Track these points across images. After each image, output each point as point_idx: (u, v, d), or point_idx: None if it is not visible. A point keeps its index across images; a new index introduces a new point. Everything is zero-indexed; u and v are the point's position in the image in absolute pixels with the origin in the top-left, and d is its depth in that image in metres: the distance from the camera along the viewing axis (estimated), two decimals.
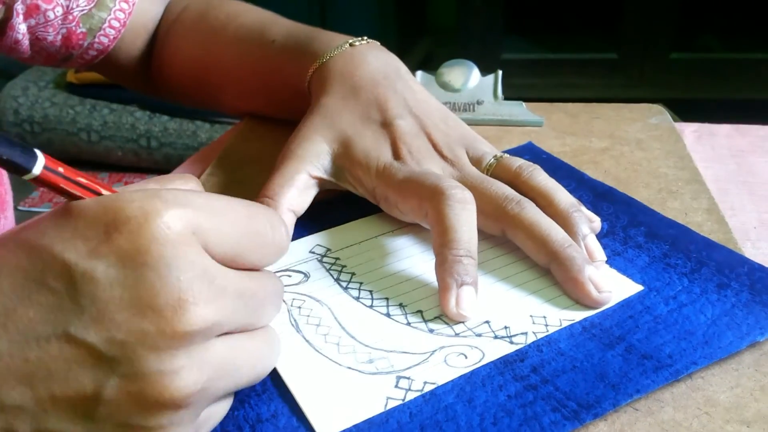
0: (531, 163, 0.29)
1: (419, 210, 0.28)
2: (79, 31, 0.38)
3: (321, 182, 0.31)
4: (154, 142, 1.48)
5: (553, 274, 0.26)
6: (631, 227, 0.29)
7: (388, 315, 0.26)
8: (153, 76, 0.44)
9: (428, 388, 0.22)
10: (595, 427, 0.21)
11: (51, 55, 0.40)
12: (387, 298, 0.26)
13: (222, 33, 0.40)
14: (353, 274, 0.28)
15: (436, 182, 0.27)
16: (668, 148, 0.37)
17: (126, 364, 0.17)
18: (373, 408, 0.22)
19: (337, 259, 0.29)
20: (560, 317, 0.25)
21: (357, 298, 0.26)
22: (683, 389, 0.22)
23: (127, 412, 0.17)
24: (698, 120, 0.41)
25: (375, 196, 0.30)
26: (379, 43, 0.35)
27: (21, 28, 0.37)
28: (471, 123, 0.40)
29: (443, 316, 0.25)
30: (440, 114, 0.32)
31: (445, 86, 0.41)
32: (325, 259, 0.29)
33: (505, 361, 0.23)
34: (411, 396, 0.22)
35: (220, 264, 0.19)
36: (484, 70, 0.41)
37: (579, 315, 0.25)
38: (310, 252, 0.29)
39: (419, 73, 0.41)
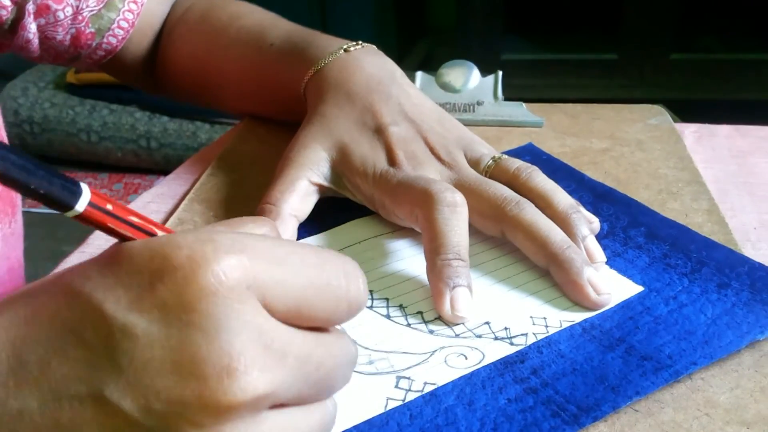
0: (529, 165, 0.29)
1: (411, 215, 0.28)
2: (88, 31, 0.39)
3: (321, 189, 0.31)
4: (153, 143, 1.48)
5: (553, 275, 0.26)
6: (631, 228, 0.29)
7: (387, 316, 0.26)
8: (158, 76, 0.44)
9: (428, 388, 0.22)
10: (595, 428, 0.21)
11: (60, 55, 0.40)
12: (387, 299, 0.26)
13: (223, 34, 0.40)
14: None
15: (426, 187, 0.27)
16: (668, 148, 0.37)
17: None
18: (374, 408, 0.22)
19: None
20: (560, 318, 0.25)
21: None
22: (683, 390, 0.22)
23: None
24: (698, 121, 0.41)
25: (373, 203, 0.30)
26: (375, 47, 0.35)
27: (31, 27, 0.37)
28: (471, 123, 0.40)
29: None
30: (437, 117, 0.32)
31: (445, 87, 0.41)
32: None
33: (505, 362, 0.23)
34: (411, 396, 0.22)
35: (281, 322, 0.17)
36: (484, 71, 0.41)
37: (579, 316, 0.25)
38: None
39: (419, 73, 0.41)
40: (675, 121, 0.41)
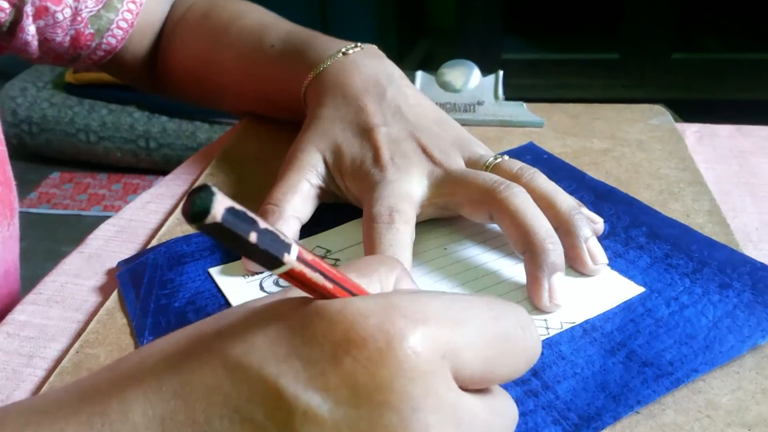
0: (530, 166, 0.29)
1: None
2: (87, 32, 0.39)
3: (321, 191, 0.31)
4: (152, 143, 1.48)
5: (524, 263, 0.26)
6: (632, 228, 0.29)
7: None
8: (158, 75, 0.44)
9: None
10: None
11: (59, 56, 0.40)
12: None
13: (223, 34, 0.40)
14: None
15: (371, 204, 0.26)
16: (670, 149, 0.37)
17: None
18: None
19: (337, 260, 0.29)
20: (561, 320, 0.25)
21: None
22: (684, 392, 0.22)
23: None
24: (700, 121, 0.41)
25: (360, 204, 0.30)
26: (375, 48, 0.35)
27: (30, 29, 0.37)
28: (471, 123, 0.40)
29: None
30: (434, 117, 0.32)
31: (445, 86, 0.40)
32: (325, 261, 0.29)
33: None
34: None
35: (465, 391, 0.15)
36: (485, 71, 0.41)
37: (580, 317, 0.25)
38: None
39: (420, 73, 0.41)
40: (676, 121, 0.40)
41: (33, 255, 0.94)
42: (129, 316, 0.26)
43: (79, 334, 0.27)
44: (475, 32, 1.64)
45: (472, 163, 0.30)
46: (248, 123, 0.42)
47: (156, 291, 0.27)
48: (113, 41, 0.40)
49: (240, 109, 0.43)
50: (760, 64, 1.59)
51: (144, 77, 0.45)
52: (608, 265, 0.27)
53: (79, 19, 0.38)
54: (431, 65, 0.42)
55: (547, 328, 0.24)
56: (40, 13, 0.37)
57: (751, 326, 0.24)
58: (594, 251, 0.26)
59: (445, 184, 0.28)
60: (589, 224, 0.27)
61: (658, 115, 0.41)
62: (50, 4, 0.37)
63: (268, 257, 0.13)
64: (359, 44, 0.34)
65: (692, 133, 0.40)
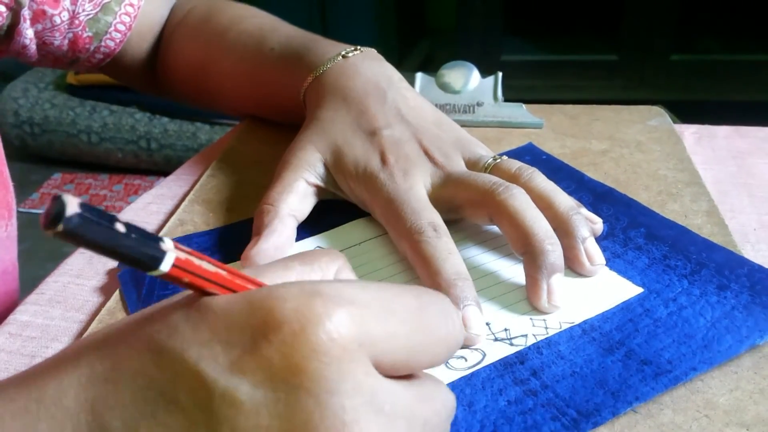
0: (529, 166, 0.29)
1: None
2: (85, 35, 0.39)
3: (318, 190, 0.31)
4: (154, 144, 1.48)
5: (523, 265, 0.26)
6: (630, 229, 0.29)
7: None
8: (158, 78, 0.44)
9: None
10: (595, 429, 0.21)
11: (58, 59, 0.40)
12: None
13: (224, 38, 0.40)
14: None
15: (406, 219, 0.27)
16: (668, 150, 0.37)
17: None
18: None
19: None
20: (560, 320, 0.25)
21: None
22: (683, 392, 0.22)
23: None
24: (698, 122, 0.41)
25: (366, 206, 0.30)
26: (374, 51, 0.35)
27: (28, 33, 0.37)
28: (471, 125, 0.40)
29: None
30: (434, 119, 0.32)
31: (445, 88, 0.41)
32: None
33: (505, 363, 0.23)
34: None
35: (388, 378, 0.15)
36: (484, 72, 0.41)
37: (579, 317, 0.25)
38: None
39: (419, 74, 0.41)
40: (674, 122, 0.41)
41: (34, 255, 0.94)
42: None
43: (80, 334, 0.27)
44: (474, 34, 1.64)
45: (472, 163, 0.30)
46: (249, 124, 0.42)
47: (157, 291, 0.27)
48: (111, 44, 0.40)
49: (240, 111, 0.43)
50: (758, 65, 1.60)
51: (144, 79, 0.45)
52: (607, 265, 0.27)
53: (76, 22, 0.38)
54: (431, 67, 0.43)
55: (546, 328, 0.24)
56: (38, 16, 0.37)
57: (749, 327, 0.24)
58: (591, 252, 0.27)
59: (445, 186, 0.29)
60: (587, 225, 0.27)
61: (656, 117, 0.41)
62: (47, 8, 0.37)
63: (137, 260, 0.14)
64: (359, 47, 0.35)
65: (690, 134, 0.40)
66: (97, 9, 0.39)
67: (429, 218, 0.27)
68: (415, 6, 1.88)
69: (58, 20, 0.38)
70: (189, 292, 0.15)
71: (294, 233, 0.29)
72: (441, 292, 0.23)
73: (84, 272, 0.31)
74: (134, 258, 0.14)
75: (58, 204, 0.12)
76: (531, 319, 0.25)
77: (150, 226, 0.34)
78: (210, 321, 0.14)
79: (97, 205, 1.48)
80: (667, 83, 1.61)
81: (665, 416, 0.21)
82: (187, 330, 0.14)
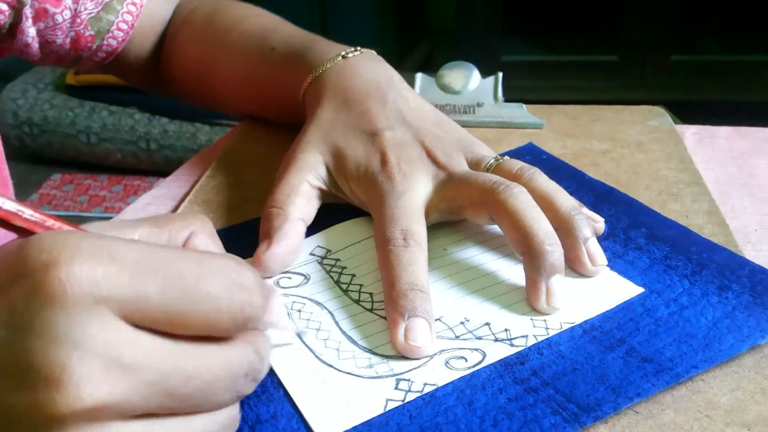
0: (531, 166, 0.29)
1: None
2: (87, 33, 0.39)
3: (322, 192, 0.31)
4: (153, 144, 1.48)
5: (523, 265, 0.26)
6: (631, 229, 0.29)
7: (386, 317, 0.25)
8: (161, 77, 0.45)
9: (428, 389, 0.22)
10: (595, 429, 0.21)
11: (61, 57, 0.40)
12: None
13: (226, 37, 0.40)
14: (353, 275, 0.28)
15: (384, 226, 0.27)
16: (669, 150, 0.37)
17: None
18: (373, 409, 0.22)
19: (337, 260, 0.29)
20: (560, 320, 0.25)
21: (357, 301, 0.26)
22: (684, 392, 0.22)
23: None
24: (699, 122, 0.41)
25: (367, 207, 0.30)
26: (374, 52, 0.35)
27: (30, 31, 0.37)
28: (471, 125, 0.40)
29: (443, 318, 0.25)
30: (435, 120, 0.32)
31: (445, 88, 0.41)
32: (325, 261, 0.29)
33: (505, 364, 0.23)
34: (411, 397, 0.22)
35: (147, 333, 0.16)
36: (485, 72, 0.41)
37: (579, 317, 0.25)
38: (311, 254, 0.29)
39: (420, 75, 0.41)
40: (675, 123, 0.41)
41: None
42: None
43: None
44: (475, 34, 1.64)
45: (474, 164, 0.30)
46: (249, 125, 0.42)
47: None
48: (114, 43, 0.40)
49: (241, 111, 0.43)
50: (758, 65, 1.60)
51: (146, 78, 0.45)
52: (607, 265, 0.27)
53: (78, 21, 0.38)
54: (431, 67, 0.43)
55: (547, 329, 0.24)
56: (40, 15, 0.37)
57: (750, 326, 0.24)
58: (593, 252, 0.27)
59: (447, 187, 0.29)
60: (589, 225, 0.27)
61: (657, 117, 0.41)
62: (49, 6, 0.37)
63: None
64: (359, 48, 0.34)
65: (691, 134, 0.40)
66: (99, 7, 0.39)
67: (404, 226, 0.27)
68: (416, 6, 1.88)
69: (60, 19, 0.38)
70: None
71: (303, 236, 0.29)
72: (392, 302, 0.24)
73: None
74: None
75: None
76: (531, 319, 0.25)
77: None
78: None
79: (96, 206, 1.48)
80: (668, 83, 1.61)
81: (666, 416, 0.21)
82: None
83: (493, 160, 0.30)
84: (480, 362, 0.23)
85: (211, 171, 0.37)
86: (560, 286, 0.25)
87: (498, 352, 0.23)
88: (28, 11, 0.36)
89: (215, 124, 1.47)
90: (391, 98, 0.32)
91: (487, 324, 0.25)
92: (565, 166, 0.35)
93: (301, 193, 0.29)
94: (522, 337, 0.24)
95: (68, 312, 0.15)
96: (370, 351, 0.24)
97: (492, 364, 0.23)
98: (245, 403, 0.22)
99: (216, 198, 0.35)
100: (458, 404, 0.22)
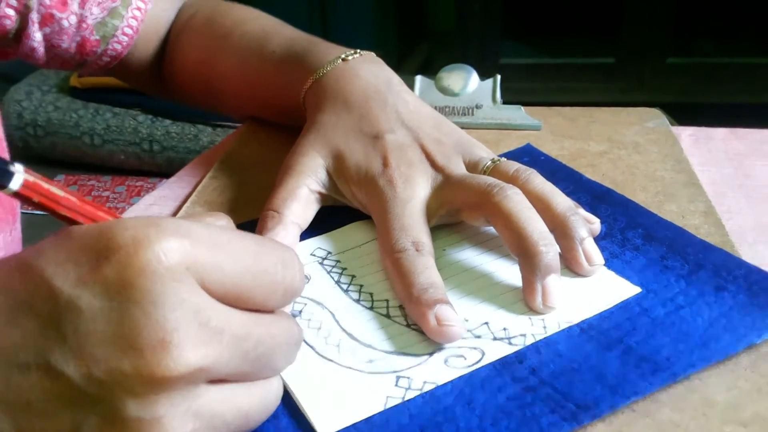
0: (528, 167, 0.29)
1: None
2: (93, 38, 0.39)
3: (321, 196, 0.31)
4: (156, 146, 1.48)
5: (519, 267, 0.26)
6: (628, 229, 0.30)
7: (388, 316, 0.26)
8: (164, 80, 0.45)
9: (428, 387, 0.22)
10: (593, 427, 0.21)
11: (66, 62, 0.40)
12: (387, 300, 0.27)
13: (226, 40, 0.40)
14: (354, 276, 0.28)
15: (391, 236, 0.27)
16: (665, 151, 0.37)
17: (104, 404, 0.16)
18: (373, 406, 0.22)
19: (338, 261, 0.29)
20: (558, 319, 0.25)
21: (357, 301, 0.27)
22: (680, 390, 0.22)
23: None
24: (695, 124, 0.42)
25: (367, 210, 0.30)
26: (373, 54, 0.35)
27: (36, 36, 0.37)
28: (470, 127, 0.40)
29: None
30: (434, 122, 0.32)
31: (444, 90, 0.41)
32: (326, 262, 0.29)
33: (503, 363, 0.23)
34: (410, 395, 0.22)
35: (221, 303, 0.18)
36: (483, 75, 0.41)
37: (577, 317, 0.25)
38: (311, 255, 0.29)
39: (419, 77, 0.42)
40: (672, 124, 0.41)
41: None
42: None
43: None
44: (473, 37, 1.65)
45: (472, 165, 0.30)
46: (250, 126, 0.42)
47: None
48: (119, 47, 0.41)
49: (242, 113, 0.43)
50: (754, 68, 1.60)
51: (150, 81, 0.45)
52: (605, 265, 0.27)
53: (84, 25, 0.39)
54: (430, 69, 0.43)
55: (545, 328, 0.25)
56: (46, 20, 0.37)
57: (746, 326, 0.24)
58: (590, 252, 0.27)
59: (444, 189, 0.29)
60: (585, 225, 0.27)
61: (654, 119, 0.41)
62: (56, 11, 0.37)
63: None
64: (358, 51, 0.35)
65: (688, 136, 0.40)
66: (105, 13, 0.39)
67: (414, 237, 0.27)
68: (415, 9, 1.88)
69: (66, 24, 0.38)
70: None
71: (296, 240, 0.29)
72: (414, 302, 0.24)
73: None
74: None
75: None
76: (530, 318, 0.25)
77: None
78: (68, 244, 0.17)
79: None
80: (665, 86, 1.61)
81: (663, 414, 0.22)
82: (50, 251, 0.17)
83: (490, 161, 0.30)
84: (479, 361, 0.23)
85: (213, 172, 0.37)
86: (556, 286, 0.25)
87: (497, 351, 0.24)
88: (34, 16, 0.37)
89: (217, 126, 1.47)
90: (390, 101, 0.32)
91: (486, 323, 0.25)
92: (562, 167, 0.35)
93: (299, 197, 0.30)
94: (520, 336, 0.24)
95: (163, 279, 0.17)
96: (370, 346, 0.24)
97: (491, 363, 0.23)
98: None
99: (218, 199, 0.35)
100: (457, 403, 0.22)
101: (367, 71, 0.33)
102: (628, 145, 0.38)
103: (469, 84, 0.41)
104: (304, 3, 1.66)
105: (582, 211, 0.29)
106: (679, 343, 0.23)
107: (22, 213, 0.37)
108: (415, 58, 1.76)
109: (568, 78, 1.65)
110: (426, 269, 0.26)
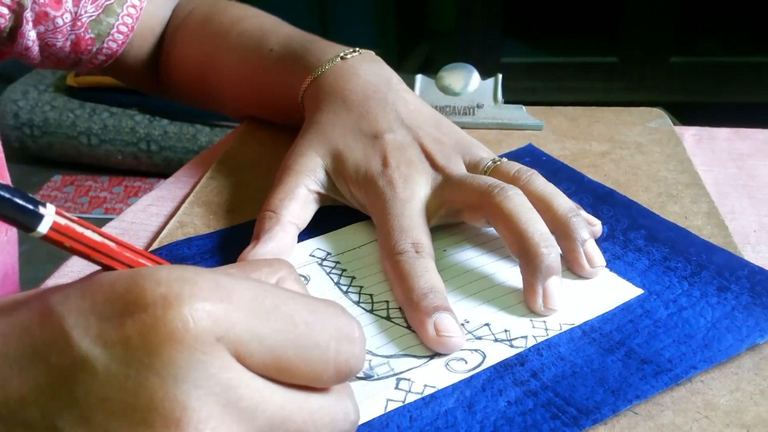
0: (529, 168, 0.29)
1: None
2: (87, 36, 0.39)
3: (320, 196, 0.31)
4: (154, 146, 1.48)
5: (520, 268, 0.26)
6: (631, 230, 0.29)
7: (388, 318, 0.26)
8: (160, 79, 0.45)
9: (428, 391, 0.22)
10: (594, 430, 0.21)
11: (61, 60, 0.40)
12: (387, 302, 0.26)
13: (224, 38, 0.40)
14: (353, 278, 0.28)
15: (391, 237, 0.27)
16: (668, 151, 0.37)
17: None
18: (374, 410, 0.22)
19: (337, 263, 0.29)
20: (560, 321, 0.25)
21: (357, 302, 0.26)
22: (683, 393, 0.22)
23: None
24: (698, 123, 0.41)
25: (367, 210, 0.30)
26: (373, 53, 0.35)
27: (31, 35, 0.37)
28: (471, 126, 0.40)
29: None
30: (434, 122, 0.32)
31: (445, 90, 0.41)
32: (325, 263, 0.29)
33: (505, 365, 0.23)
34: (411, 398, 0.22)
35: (260, 377, 0.16)
36: (484, 74, 0.41)
37: (579, 319, 0.25)
38: (310, 255, 0.29)
39: (419, 77, 0.41)
40: (675, 124, 0.41)
41: (34, 257, 0.94)
42: None
43: None
44: (474, 36, 1.64)
45: (472, 166, 0.30)
46: (249, 126, 0.42)
47: None
48: (114, 45, 0.40)
49: (240, 113, 0.43)
50: (758, 67, 1.60)
51: (146, 80, 0.45)
52: (607, 267, 0.27)
53: (79, 24, 0.38)
54: (431, 68, 0.43)
55: (546, 330, 0.24)
56: (40, 18, 0.37)
57: (749, 326, 0.24)
58: (591, 254, 0.27)
59: (444, 190, 0.29)
60: (586, 227, 0.27)
61: (656, 118, 0.41)
62: (50, 10, 0.37)
63: (16, 220, 0.15)
64: (357, 49, 0.34)
65: (690, 135, 0.40)
66: (100, 11, 0.39)
67: (414, 238, 0.27)
68: (416, 8, 1.88)
69: (60, 22, 0.38)
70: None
71: (294, 241, 0.29)
72: (413, 307, 0.24)
73: (84, 274, 0.30)
74: (13, 218, 0.15)
75: None
76: (531, 320, 0.25)
77: (150, 228, 0.34)
78: (94, 293, 0.16)
79: (96, 207, 1.48)
80: (667, 85, 1.61)
81: (666, 417, 0.21)
82: (75, 298, 0.16)
83: (491, 162, 0.30)
84: (480, 364, 0.23)
85: (211, 172, 0.37)
86: (557, 288, 0.25)
87: (498, 353, 0.24)
88: (28, 15, 0.36)
89: (216, 126, 1.47)
90: (390, 100, 0.32)
91: (487, 325, 0.25)
92: (564, 167, 0.35)
93: (297, 197, 0.29)
94: (522, 338, 0.24)
95: (189, 349, 0.15)
96: (370, 352, 0.24)
97: (492, 365, 0.23)
98: None
99: (216, 199, 0.35)
100: (458, 406, 0.22)
101: (366, 70, 0.33)
102: (630, 145, 0.38)
103: (470, 83, 0.40)
104: (304, 2, 1.66)
105: (583, 213, 0.29)
106: (681, 345, 0.23)
107: None
108: (415, 57, 1.76)
109: (570, 77, 1.65)
110: (426, 272, 0.25)
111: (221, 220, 0.33)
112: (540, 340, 0.24)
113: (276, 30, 0.39)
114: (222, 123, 1.46)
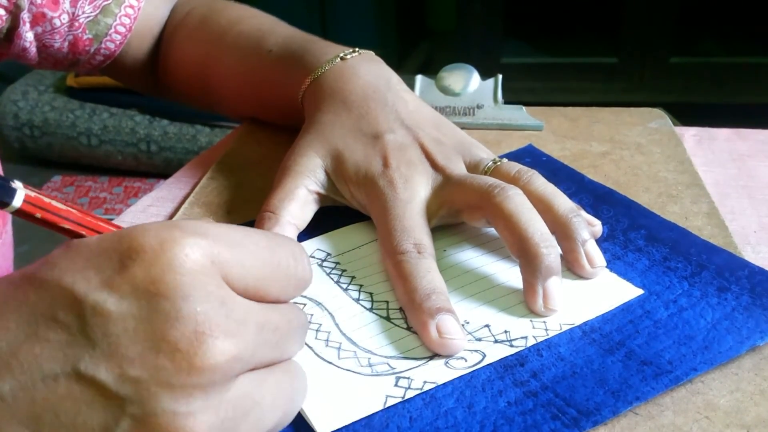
0: (529, 168, 0.29)
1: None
2: (85, 37, 0.39)
3: (320, 197, 0.31)
4: (153, 146, 1.48)
5: (520, 269, 0.26)
6: (631, 230, 0.29)
7: (388, 318, 0.26)
8: (159, 79, 0.45)
9: (428, 387, 0.22)
10: (595, 430, 0.21)
11: (58, 61, 0.40)
12: (387, 302, 0.26)
13: (222, 39, 0.40)
14: (353, 277, 0.28)
15: (393, 237, 0.27)
16: (668, 152, 0.37)
17: (138, 403, 0.16)
18: (373, 405, 0.22)
19: (337, 263, 0.29)
20: (560, 321, 0.25)
21: (357, 300, 0.26)
22: (683, 393, 0.22)
23: None
24: (698, 124, 0.41)
25: (367, 210, 0.30)
26: (372, 53, 0.35)
27: (28, 36, 0.37)
28: (471, 127, 0.40)
29: None
30: (434, 122, 0.32)
31: (445, 90, 0.41)
32: (325, 264, 0.29)
33: (505, 365, 0.23)
34: (410, 394, 0.22)
35: (241, 296, 0.18)
36: (484, 74, 0.41)
37: (579, 319, 0.25)
38: (311, 257, 0.29)
39: (419, 77, 0.41)
40: (675, 125, 0.41)
41: (34, 258, 0.94)
42: None
43: None
44: (474, 36, 1.65)
45: (472, 166, 0.30)
46: (249, 127, 0.42)
47: None
48: (112, 46, 0.40)
49: (239, 113, 0.43)
50: (758, 67, 1.60)
51: (144, 81, 0.45)
52: (607, 267, 0.27)
53: (76, 24, 0.38)
54: (431, 69, 0.43)
55: (546, 330, 0.24)
56: (38, 19, 0.37)
57: (749, 328, 0.24)
58: (592, 254, 0.26)
59: (444, 190, 0.29)
60: (587, 227, 0.27)
61: (656, 119, 0.41)
62: (47, 11, 0.37)
63: None
64: (357, 50, 0.34)
65: (691, 136, 0.40)
66: (97, 11, 0.39)
67: (416, 238, 0.27)
68: (415, 8, 1.88)
69: (57, 23, 0.37)
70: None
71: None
72: (416, 308, 0.24)
73: None
74: None
75: None
76: (531, 321, 0.25)
77: None
78: (84, 253, 0.17)
79: (96, 208, 1.48)
80: (667, 86, 1.61)
81: (666, 417, 0.21)
82: (64, 263, 0.17)
83: (491, 162, 0.30)
84: (479, 362, 0.23)
85: (211, 173, 0.37)
86: (557, 289, 0.25)
87: (498, 353, 0.24)
88: (25, 15, 0.36)
89: (215, 126, 1.47)
90: (390, 100, 0.32)
91: (487, 326, 0.25)
92: (564, 168, 0.35)
93: (297, 198, 0.29)
94: (522, 338, 0.24)
95: (192, 273, 0.17)
96: (370, 352, 0.24)
97: (492, 365, 0.23)
98: None
99: (216, 199, 0.35)
100: (458, 406, 0.22)
101: (366, 70, 0.33)
102: (630, 145, 0.38)
103: (470, 84, 0.40)
104: (304, 2, 1.66)
105: (583, 213, 0.29)
106: (681, 346, 0.23)
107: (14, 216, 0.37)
108: (415, 57, 1.76)
109: (570, 78, 1.65)
110: (428, 273, 0.25)
111: (221, 220, 0.33)
112: (540, 340, 0.24)
113: (275, 30, 0.39)
114: (222, 123, 1.46)
